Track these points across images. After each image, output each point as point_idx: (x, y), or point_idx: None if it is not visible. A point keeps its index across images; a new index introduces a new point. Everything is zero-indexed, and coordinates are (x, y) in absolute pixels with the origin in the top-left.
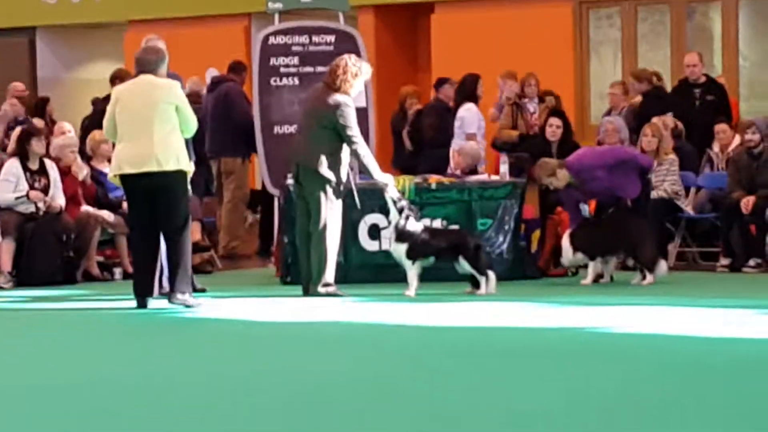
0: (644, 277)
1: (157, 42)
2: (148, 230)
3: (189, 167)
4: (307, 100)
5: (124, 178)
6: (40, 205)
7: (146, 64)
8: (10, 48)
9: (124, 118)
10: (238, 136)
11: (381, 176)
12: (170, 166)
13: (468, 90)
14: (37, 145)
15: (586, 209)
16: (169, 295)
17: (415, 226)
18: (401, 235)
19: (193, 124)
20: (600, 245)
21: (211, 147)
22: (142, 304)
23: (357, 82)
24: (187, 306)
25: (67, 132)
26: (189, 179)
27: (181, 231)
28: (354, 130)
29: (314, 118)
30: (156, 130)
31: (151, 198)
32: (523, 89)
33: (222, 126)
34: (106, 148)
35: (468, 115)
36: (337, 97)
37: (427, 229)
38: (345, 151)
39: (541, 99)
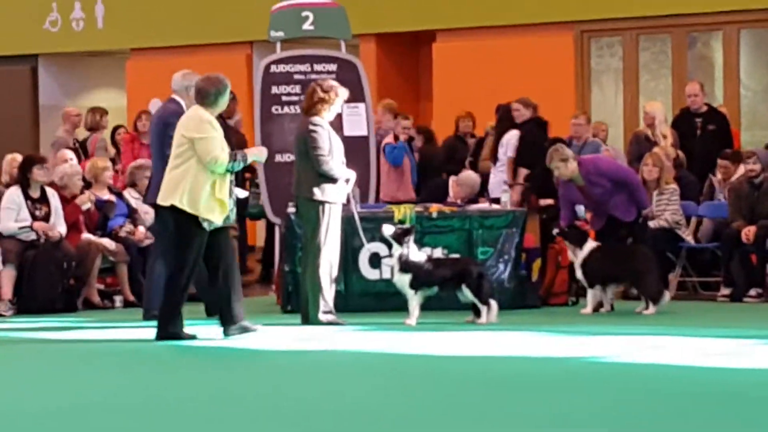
0: (647, 307)
1: (189, 75)
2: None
3: (183, 204)
4: (295, 131)
5: None
6: (42, 233)
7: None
8: (13, 75)
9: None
10: None
11: (346, 174)
12: (166, 202)
13: (508, 121)
14: (38, 174)
15: (582, 210)
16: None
17: (418, 256)
18: (405, 266)
19: (205, 158)
20: (603, 273)
21: None
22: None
23: (329, 106)
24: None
25: (69, 160)
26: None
27: (171, 271)
28: (321, 151)
29: (297, 147)
30: (170, 163)
31: None
32: None
33: None
34: (108, 175)
35: (514, 141)
36: (308, 120)
37: (430, 259)
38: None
39: None
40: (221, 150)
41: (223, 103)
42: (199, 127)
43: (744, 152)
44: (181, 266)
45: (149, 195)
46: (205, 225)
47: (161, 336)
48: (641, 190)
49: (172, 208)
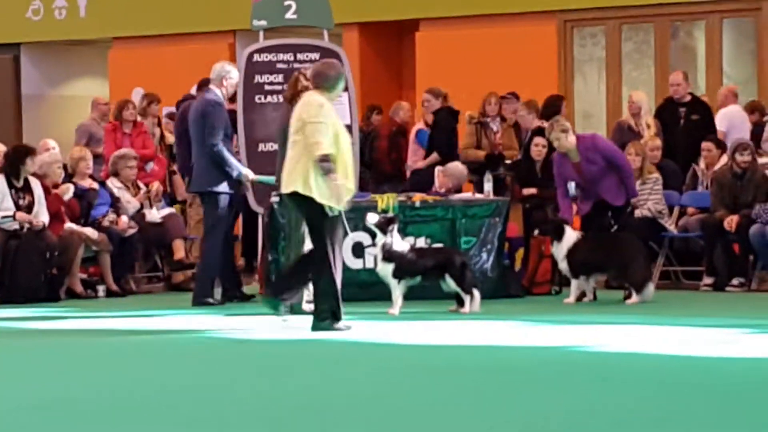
0: (630, 295)
1: (226, 65)
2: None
3: (311, 192)
4: (278, 120)
5: None
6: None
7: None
8: None
9: None
10: None
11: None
12: (287, 189)
13: (552, 110)
14: (30, 165)
15: (573, 187)
16: None
17: (402, 245)
18: (388, 255)
19: (308, 140)
20: (590, 263)
21: (179, 165)
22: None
23: None
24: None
25: (51, 149)
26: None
27: (314, 260)
28: None
29: (280, 137)
30: (288, 148)
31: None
32: (484, 108)
33: (184, 144)
34: (85, 165)
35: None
36: (291, 109)
37: (413, 248)
38: None
39: (502, 118)
40: (326, 137)
41: (341, 87)
42: (315, 112)
43: (739, 144)
44: (320, 254)
45: (193, 183)
46: (327, 211)
47: (270, 295)
48: (632, 177)
49: (295, 194)
